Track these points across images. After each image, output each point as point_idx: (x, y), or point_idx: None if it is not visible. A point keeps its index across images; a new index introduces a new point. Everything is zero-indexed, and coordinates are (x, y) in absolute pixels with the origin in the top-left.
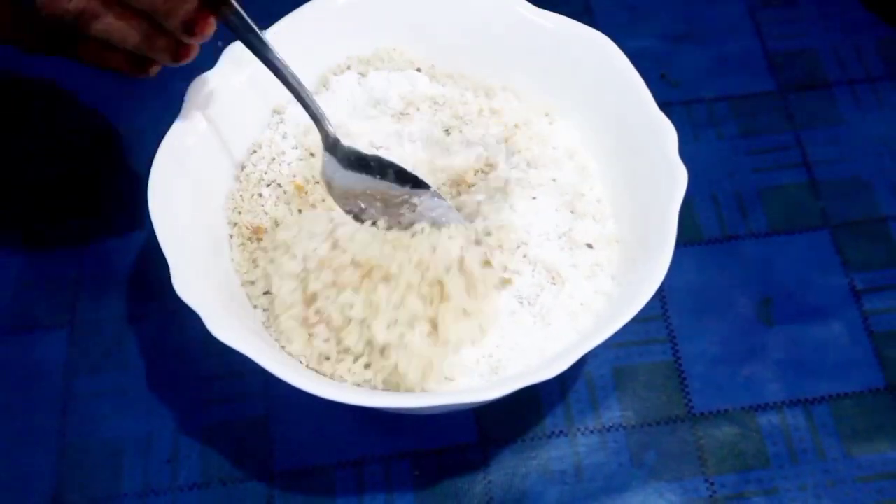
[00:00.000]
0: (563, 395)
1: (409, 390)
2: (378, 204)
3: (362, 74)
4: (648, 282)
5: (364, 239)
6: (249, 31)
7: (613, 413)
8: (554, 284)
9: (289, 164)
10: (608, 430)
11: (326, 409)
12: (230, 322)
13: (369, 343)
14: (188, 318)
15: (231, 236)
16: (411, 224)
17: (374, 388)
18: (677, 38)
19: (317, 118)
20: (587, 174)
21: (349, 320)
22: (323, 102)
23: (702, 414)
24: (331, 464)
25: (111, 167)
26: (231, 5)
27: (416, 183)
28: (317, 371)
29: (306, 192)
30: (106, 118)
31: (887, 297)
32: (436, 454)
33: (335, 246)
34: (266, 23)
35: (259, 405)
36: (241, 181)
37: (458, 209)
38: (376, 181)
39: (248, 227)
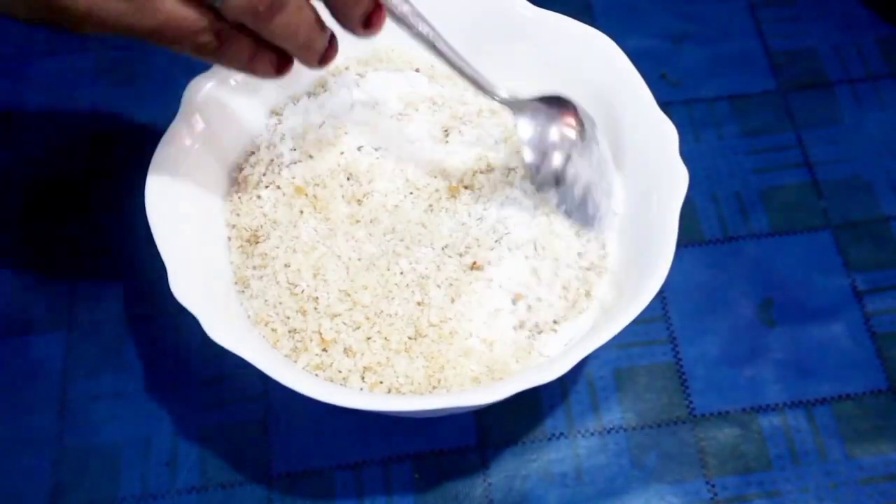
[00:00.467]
0: (563, 397)
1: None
2: None
3: (361, 75)
4: (649, 283)
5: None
6: (421, 21)
7: (614, 415)
8: (554, 285)
9: (287, 167)
10: (609, 431)
11: (325, 411)
12: (228, 325)
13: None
14: (186, 321)
15: (229, 238)
16: None
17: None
18: (677, 38)
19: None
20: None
21: (335, 341)
22: (321, 103)
23: (703, 415)
24: (330, 466)
25: (108, 168)
26: None
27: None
28: (315, 374)
29: (307, 194)
30: (103, 119)
31: (889, 297)
32: (436, 457)
33: (315, 276)
34: None
35: (258, 408)
36: (239, 183)
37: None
38: None
39: (246, 230)
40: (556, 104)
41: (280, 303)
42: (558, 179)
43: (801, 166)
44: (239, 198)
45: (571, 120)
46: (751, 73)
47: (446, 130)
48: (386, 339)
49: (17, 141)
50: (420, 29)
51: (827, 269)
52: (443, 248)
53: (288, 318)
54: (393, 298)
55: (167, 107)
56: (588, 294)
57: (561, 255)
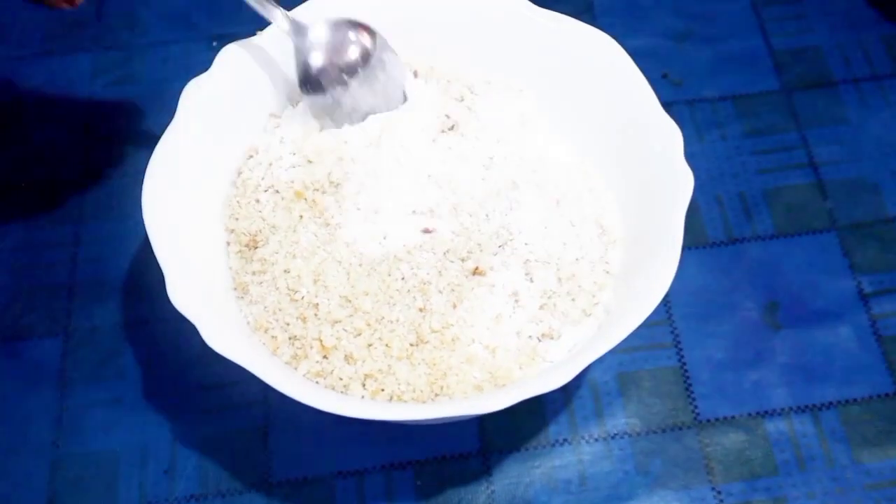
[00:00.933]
0: (567, 403)
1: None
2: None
3: None
4: (654, 288)
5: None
6: None
7: (618, 420)
8: (558, 290)
9: (286, 170)
10: (613, 437)
11: (326, 418)
12: (227, 332)
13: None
14: (184, 327)
15: (228, 243)
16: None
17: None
18: (679, 37)
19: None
20: (590, 176)
21: (336, 348)
22: None
23: (708, 421)
24: (331, 474)
25: (105, 172)
26: None
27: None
28: (315, 381)
29: (307, 199)
30: (100, 122)
31: None
32: (438, 463)
33: (316, 281)
34: (260, 24)
35: (257, 415)
36: (237, 187)
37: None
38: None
39: (245, 234)
40: (343, 27)
41: (280, 309)
42: (334, 106)
43: (805, 167)
44: (237, 202)
45: (354, 46)
46: (754, 73)
47: (445, 131)
48: (387, 345)
49: (12, 143)
50: None
51: (832, 271)
52: (444, 253)
53: (288, 324)
54: (394, 304)
55: (164, 109)
56: (592, 298)
57: (564, 259)
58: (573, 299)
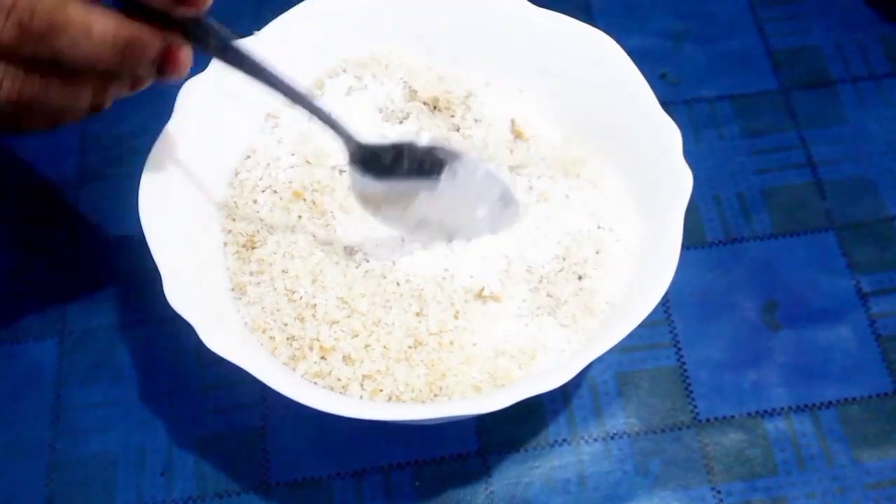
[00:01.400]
0: (565, 403)
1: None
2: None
3: (358, 77)
4: (654, 288)
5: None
6: (230, 50)
7: (617, 420)
8: (556, 290)
9: (284, 171)
10: (612, 437)
11: (324, 418)
12: (224, 332)
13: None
14: (182, 327)
15: (225, 244)
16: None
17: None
18: (677, 37)
19: (335, 125)
20: (589, 177)
21: (334, 348)
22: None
23: (707, 420)
24: (329, 475)
25: (101, 173)
26: (205, 28)
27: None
28: (314, 382)
29: (305, 199)
30: (96, 123)
31: (895, 299)
32: (437, 464)
33: (314, 282)
34: (256, 25)
35: (255, 415)
36: (235, 188)
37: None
38: (395, 183)
39: (242, 235)
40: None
41: (278, 309)
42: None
43: (803, 166)
44: (235, 202)
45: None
46: (752, 73)
47: (447, 133)
48: (385, 347)
49: (7, 144)
50: (257, 64)
51: (831, 270)
52: (444, 270)
53: (286, 325)
54: (390, 308)
55: (161, 110)
56: (591, 299)
57: (562, 260)
58: (572, 299)
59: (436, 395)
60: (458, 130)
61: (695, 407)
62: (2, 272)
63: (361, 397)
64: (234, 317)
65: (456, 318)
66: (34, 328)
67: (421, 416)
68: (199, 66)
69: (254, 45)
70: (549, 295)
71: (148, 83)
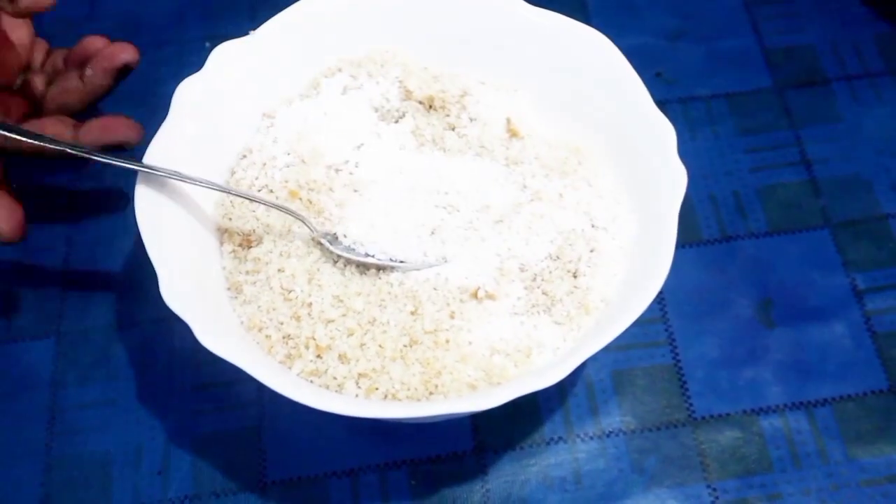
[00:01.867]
0: (561, 401)
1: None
2: None
3: (354, 77)
4: (648, 285)
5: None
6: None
7: (613, 418)
8: (552, 289)
9: (280, 170)
10: (608, 435)
11: (320, 417)
12: (221, 331)
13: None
14: (178, 327)
15: (221, 243)
16: None
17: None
18: (672, 36)
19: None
20: (584, 176)
21: (330, 347)
22: (314, 105)
23: (703, 418)
24: (325, 474)
25: (97, 172)
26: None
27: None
28: (309, 380)
29: (301, 198)
30: None
31: (889, 296)
32: (433, 463)
33: (310, 281)
34: (252, 24)
35: (251, 414)
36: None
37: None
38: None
39: (238, 234)
40: None
41: (274, 308)
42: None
43: (798, 165)
44: (231, 202)
45: None
46: (747, 71)
47: (443, 132)
48: (380, 345)
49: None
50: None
51: (826, 268)
52: (438, 270)
53: (282, 323)
54: (386, 306)
55: (157, 110)
56: (587, 296)
57: (557, 258)
58: (567, 297)
59: (431, 394)
60: (453, 129)
61: (690, 405)
62: None
63: (357, 396)
64: (231, 316)
65: (451, 317)
66: (31, 328)
67: (416, 415)
68: (195, 67)
69: (250, 44)
70: (544, 293)
71: None
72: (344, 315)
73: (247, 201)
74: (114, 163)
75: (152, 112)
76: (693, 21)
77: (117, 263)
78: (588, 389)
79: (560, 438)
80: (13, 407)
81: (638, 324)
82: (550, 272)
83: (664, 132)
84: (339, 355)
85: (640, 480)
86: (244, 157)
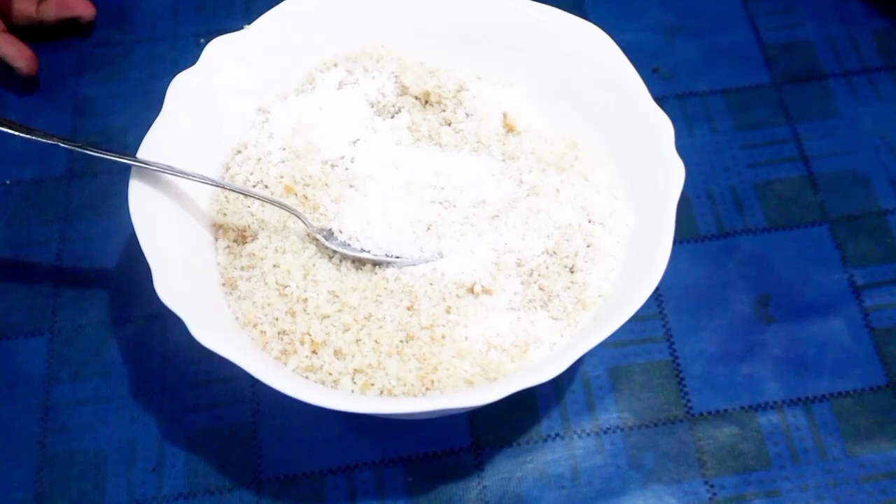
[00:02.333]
0: (558, 397)
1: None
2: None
3: (349, 72)
4: (646, 281)
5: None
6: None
7: (610, 415)
8: (549, 284)
9: (275, 165)
10: (605, 432)
11: (316, 414)
12: (215, 327)
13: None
14: (172, 323)
15: (216, 239)
16: None
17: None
18: (670, 31)
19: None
20: (581, 171)
21: (325, 343)
22: (309, 100)
23: (701, 414)
24: (321, 470)
25: (90, 168)
26: None
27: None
28: (305, 376)
29: (296, 194)
30: (85, 118)
31: (888, 292)
32: (429, 459)
33: (306, 276)
34: (247, 19)
35: (246, 411)
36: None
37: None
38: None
39: (233, 230)
40: None
41: (269, 304)
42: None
43: (796, 160)
44: (226, 197)
45: None
46: (744, 67)
47: (439, 126)
48: (376, 341)
49: None
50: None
51: (824, 264)
52: (434, 265)
53: (277, 319)
54: (382, 302)
55: (152, 106)
56: (584, 292)
57: (554, 253)
58: (564, 293)
59: (428, 389)
60: (449, 125)
61: (688, 401)
62: None
63: (353, 391)
64: (225, 312)
65: (448, 312)
66: (23, 325)
67: (413, 410)
68: (189, 63)
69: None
70: (540, 288)
71: None
72: (339, 311)
73: (242, 197)
74: (108, 157)
75: (146, 107)
76: (690, 16)
77: (111, 260)
78: (585, 386)
79: (557, 435)
80: (6, 404)
81: (635, 320)
82: (547, 267)
83: (661, 127)
84: (335, 351)
85: (638, 477)
86: (239, 152)
